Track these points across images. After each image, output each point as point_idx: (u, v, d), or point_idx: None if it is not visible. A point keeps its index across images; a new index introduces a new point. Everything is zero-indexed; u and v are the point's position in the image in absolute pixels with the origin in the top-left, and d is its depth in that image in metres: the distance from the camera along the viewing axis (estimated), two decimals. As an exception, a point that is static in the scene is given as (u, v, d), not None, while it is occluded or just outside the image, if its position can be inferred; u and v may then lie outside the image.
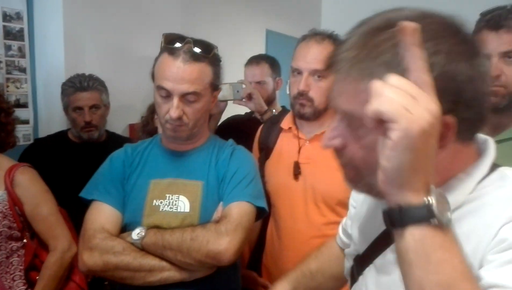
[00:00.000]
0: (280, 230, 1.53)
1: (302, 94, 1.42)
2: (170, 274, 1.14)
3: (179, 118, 1.18)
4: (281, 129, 1.60)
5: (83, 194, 1.25)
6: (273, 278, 1.56)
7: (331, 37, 1.45)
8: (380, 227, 0.74)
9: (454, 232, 0.54)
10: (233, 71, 2.51)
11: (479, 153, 0.68)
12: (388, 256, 0.72)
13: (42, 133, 2.28)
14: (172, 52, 1.18)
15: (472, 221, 0.62)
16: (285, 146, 1.56)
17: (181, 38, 1.19)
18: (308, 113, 1.45)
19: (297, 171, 1.47)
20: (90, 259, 1.14)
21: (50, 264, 1.49)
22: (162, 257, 1.14)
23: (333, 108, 0.66)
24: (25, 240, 1.50)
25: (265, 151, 1.58)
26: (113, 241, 1.15)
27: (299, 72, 1.44)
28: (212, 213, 1.21)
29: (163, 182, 1.24)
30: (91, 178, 1.30)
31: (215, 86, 1.25)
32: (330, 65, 0.63)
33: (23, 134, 2.24)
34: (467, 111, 0.59)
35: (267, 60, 2.45)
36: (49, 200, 1.54)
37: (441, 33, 0.58)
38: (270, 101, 2.42)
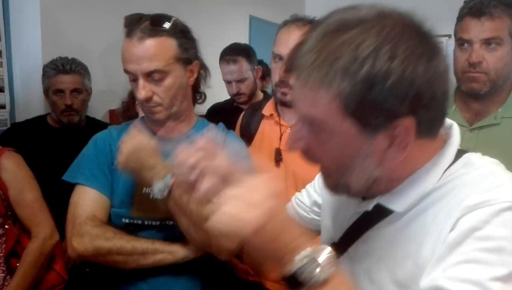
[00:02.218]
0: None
1: (283, 81, 1.42)
2: (163, 256, 1.14)
3: (149, 99, 1.15)
4: (262, 116, 1.59)
5: (67, 177, 1.22)
6: (254, 264, 1.58)
7: (312, 23, 1.44)
8: (352, 216, 0.76)
9: (338, 279, 0.56)
10: (216, 58, 2.50)
11: (445, 139, 0.69)
12: (359, 246, 0.74)
13: (19, 118, 2.23)
14: (129, 33, 1.14)
15: (435, 210, 0.63)
16: (267, 132, 1.56)
17: (139, 17, 1.15)
18: (290, 100, 1.44)
19: (278, 158, 1.48)
20: (81, 245, 1.12)
21: (31, 251, 1.47)
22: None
23: (295, 111, 0.66)
24: (7, 226, 1.48)
25: (247, 138, 1.58)
26: (104, 228, 1.14)
27: (280, 58, 1.43)
28: None
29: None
30: (75, 160, 1.26)
31: (185, 59, 1.18)
32: (290, 69, 0.62)
33: (-1, 119, 2.19)
34: (427, 112, 0.59)
35: (243, 54, 2.41)
36: (34, 186, 1.53)
37: (398, 35, 0.56)
38: (252, 93, 2.42)
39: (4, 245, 1.47)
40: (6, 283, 1.44)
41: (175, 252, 1.14)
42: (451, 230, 0.59)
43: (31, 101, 2.27)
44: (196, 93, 1.31)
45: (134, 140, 1.10)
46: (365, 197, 0.74)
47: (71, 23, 2.30)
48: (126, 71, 1.16)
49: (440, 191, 0.64)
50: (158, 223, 1.20)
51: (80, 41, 2.33)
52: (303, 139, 0.65)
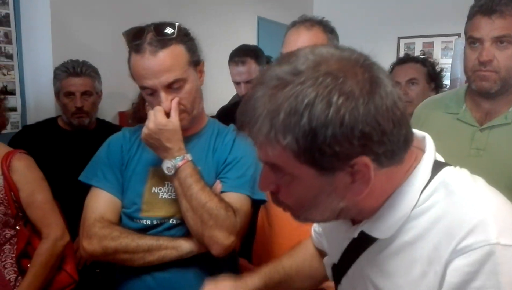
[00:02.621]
0: (271, 217, 1.54)
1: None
2: (167, 252, 1.16)
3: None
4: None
5: (82, 177, 1.25)
6: (263, 265, 1.58)
7: (321, 24, 1.44)
8: (344, 241, 0.77)
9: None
10: (225, 59, 2.50)
11: (418, 155, 0.68)
12: (355, 269, 0.75)
13: (30, 121, 2.25)
14: (138, 48, 1.12)
15: (423, 245, 0.64)
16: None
17: (141, 31, 1.14)
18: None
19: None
20: (90, 246, 1.16)
21: (42, 251, 1.49)
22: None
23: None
24: (18, 227, 1.50)
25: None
26: (111, 228, 1.17)
27: (289, 59, 1.43)
28: None
29: (161, 169, 1.23)
30: (90, 161, 1.29)
31: (195, 62, 1.20)
32: (241, 128, 0.63)
33: (11, 121, 2.20)
34: (381, 147, 0.59)
35: (252, 55, 2.41)
36: (44, 188, 1.54)
37: (333, 83, 0.56)
38: None
39: (15, 246, 1.49)
40: (18, 284, 1.45)
41: (179, 247, 1.17)
42: (443, 280, 0.61)
43: (42, 104, 2.29)
44: None
45: (157, 120, 1.13)
46: (354, 222, 0.74)
47: (81, 26, 2.33)
48: (142, 88, 1.16)
49: (423, 220, 0.65)
50: (167, 222, 1.21)
51: (89, 44, 2.35)
52: (272, 182, 0.67)
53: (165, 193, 1.22)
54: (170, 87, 1.14)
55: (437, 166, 0.68)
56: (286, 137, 0.56)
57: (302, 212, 0.68)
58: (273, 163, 0.62)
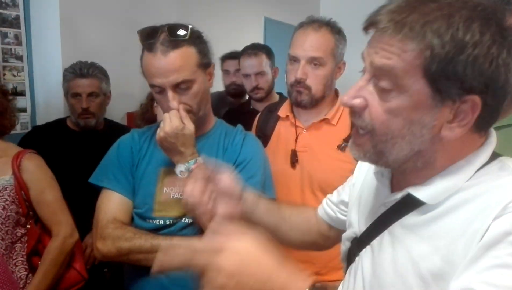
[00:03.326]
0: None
1: (299, 82, 1.42)
2: None
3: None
4: (278, 117, 1.60)
5: (93, 179, 1.27)
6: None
7: (328, 25, 1.45)
8: (379, 209, 0.76)
9: None
10: (231, 59, 2.51)
11: (483, 140, 0.69)
12: (385, 237, 0.74)
13: (40, 121, 2.28)
14: (150, 47, 1.15)
15: (468, 209, 0.63)
16: (283, 134, 1.56)
17: (155, 30, 1.16)
18: (305, 101, 1.45)
19: (294, 159, 1.48)
20: (104, 247, 1.17)
21: (52, 249, 1.51)
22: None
23: (366, 66, 0.66)
24: (28, 226, 1.52)
25: (263, 139, 1.58)
26: (124, 229, 1.18)
27: (296, 59, 1.43)
28: None
29: (172, 169, 1.24)
30: (100, 163, 1.30)
31: (205, 64, 1.22)
32: (374, 22, 0.63)
33: (20, 122, 2.24)
34: (493, 98, 0.61)
35: (263, 50, 2.45)
36: (54, 187, 1.56)
37: (489, 16, 0.59)
38: (269, 92, 2.43)
39: (26, 244, 1.50)
40: (28, 281, 1.47)
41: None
42: (486, 231, 0.59)
43: (51, 105, 2.32)
44: None
45: (174, 124, 1.15)
46: (393, 190, 0.74)
47: (90, 28, 2.35)
48: (152, 86, 1.19)
49: (473, 190, 0.64)
50: (179, 221, 1.22)
51: (98, 45, 2.37)
52: (362, 96, 0.66)
53: (177, 193, 1.23)
54: (177, 87, 1.16)
55: (495, 154, 0.69)
56: (435, 39, 0.58)
57: (383, 141, 0.65)
58: (392, 68, 0.61)
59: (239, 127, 1.36)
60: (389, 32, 0.61)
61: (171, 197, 1.23)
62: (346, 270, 0.86)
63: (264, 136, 1.60)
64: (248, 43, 2.53)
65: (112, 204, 1.22)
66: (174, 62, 1.14)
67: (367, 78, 0.66)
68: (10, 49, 2.23)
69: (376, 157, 0.68)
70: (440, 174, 0.67)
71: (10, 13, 2.21)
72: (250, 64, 2.37)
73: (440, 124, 0.62)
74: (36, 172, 1.52)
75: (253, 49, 2.42)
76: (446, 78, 0.59)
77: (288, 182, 1.48)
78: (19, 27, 2.25)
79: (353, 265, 0.82)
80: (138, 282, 1.25)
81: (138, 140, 1.31)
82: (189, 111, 1.19)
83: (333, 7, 4.41)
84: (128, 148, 1.29)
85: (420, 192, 0.68)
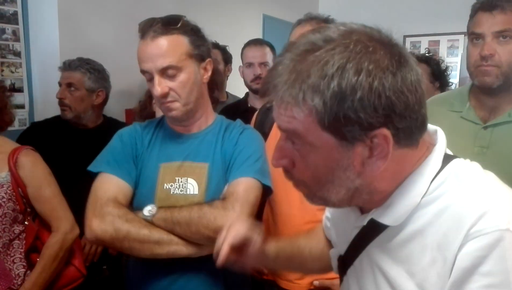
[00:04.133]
0: (276, 215, 1.55)
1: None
2: (178, 248, 1.15)
3: (165, 95, 1.18)
4: (276, 115, 1.60)
5: (91, 167, 1.24)
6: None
7: (327, 22, 1.45)
8: (353, 231, 0.77)
9: None
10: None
11: (429, 146, 0.69)
12: (364, 259, 0.75)
13: (38, 118, 2.27)
14: (143, 35, 1.18)
15: (433, 231, 0.64)
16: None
17: (151, 20, 1.19)
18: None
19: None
20: (101, 225, 1.12)
21: (51, 244, 1.50)
22: (172, 233, 1.15)
23: (277, 128, 0.68)
24: (26, 223, 1.51)
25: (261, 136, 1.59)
26: (123, 210, 1.16)
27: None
28: (219, 193, 1.22)
29: (172, 165, 1.25)
30: (100, 153, 1.29)
31: (199, 57, 1.22)
32: (265, 91, 0.64)
33: (18, 118, 2.23)
34: (402, 121, 0.60)
35: (268, 44, 2.47)
36: (52, 183, 1.55)
37: (363, 50, 0.58)
38: None
39: (24, 241, 1.50)
40: (27, 278, 1.47)
41: (189, 245, 1.16)
42: (453, 263, 0.61)
43: (49, 101, 2.31)
44: (212, 92, 1.34)
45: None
46: (363, 211, 0.75)
47: (89, 24, 2.34)
48: (142, 72, 1.20)
49: (433, 208, 0.65)
50: None
51: (96, 42, 2.36)
52: (286, 156, 0.67)
53: (176, 189, 1.23)
54: (164, 73, 1.17)
55: (448, 158, 0.69)
56: (314, 99, 0.58)
57: (318, 189, 0.67)
58: (294, 130, 0.62)
59: (238, 121, 1.36)
60: (276, 100, 0.62)
61: (171, 193, 1.23)
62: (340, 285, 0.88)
63: (263, 134, 1.59)
64: (247, 40, 2.53)
65: (112, 185, 1.20)
66: (161, 46, 1.15)
67: (284, 138, 0.67)
68: (8, 45, 2.22)
69: (323, 202, 0.70)
70: (396, 193, 0.68)
71: (8, 8, 2.20)
72: (253, 54, 2.38)
73: (360, 162, 0.63)
74: (33, 168, 1.51)
75: (258, 41, 2.46)
76: (343, 126, 0.59)
77: (286, 179, 1.48)
78: (17, 23, 2.24)
79: (342, 285, 0.85)
80: (140, 283, 1.25)
81: (141, 133, 1.31)
82: (175, 100, 1.19)
83: (331, 4, 4.41)
84: (133, 138, 1.29)
85: (382, 217, 0.69)
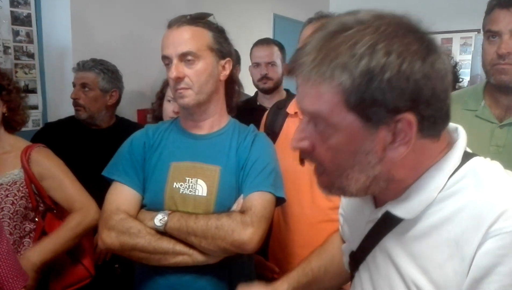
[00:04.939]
0: (287, 215, 1.54)
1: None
2: (183, 259, 1.17)
3: (180, 80, 1.20)
4: (287, 114, 1.59)
5: (105, 173, 1.28)
6: (279, 262, 1.58)
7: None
8: (367, 225, 0.77)
9: None
10: (241, 55, 2.51)
11: (452, 142, 0.69)
12: (377, 253, 0.75)
13: (51, 118, 2.30)
14: (170, 25, 1.23)
15: (451, 228, 0.63)
16: (291, 131, 1.55)
17: (181, 16, 1.24)
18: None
19: (303, 156, 1.47)
20: (108, 238, 1.18)
21: (72, 218, 1.50)
22: (185, 242, 1.17)
23: (300, 110, 0.67)
24: (37, 219, 1.52)
25: (271, 136, 1.58)
26: (130, 223, 1.18)
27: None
28: (228, 198, 1.23)
29: (183, 165, 1.26)
30: (113, 157, 1.32)
31: (219, 52, 1.25)
32: (292, 70, 0.64)
33: (32, 119, 2.26)
34: (427, 109, 0.60)
35: (276, 43, 2.47)
36: (68, 172, 1.56)
37: (393, 33, 0.58)
38: (278, 84, 2.42)
39: (33, 239, 1.51)
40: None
41: (194, 255, 1.17)
42: (472, 262, 0.60)
43: (62, 102, 2.34)
44: (228, 98, 1.35)
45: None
46: (377, 205, 0.75)
47: (101, 26, 2.36)
48: (163, 58, 1.23)
49: (450, 204, 0.64)
50: None
51: (109, 43, 2.38)
52: (307, 138, 0.67)
53: (186, 189, 1.23)
54: (183, 59, 1.20)
55: (468, 155, 0.68)
56: (342, 76, 0.58)
57: (337, 177, 0.66)
58: (319, 112, 0.62)
59: (252, 126, 1.37)
60: (304, 78, 0.62)
61: (180, 192, 1.24)
62: (351, 280, 0.88)
63: (273, 133, 1.60)
64: (257, 40, 2.53)
65: (119, 195, 1.23)
66: (183, 34, 1.20)
67: (306, 120, 0.67)
68: (22, 47, 2.25)
69: (340, 191, 0.70)
70: (413, 186, 0.67)
71: (22, 11, 2.23)
72: (261, 53, 2.39)
73: (383, 146, 0.62)
74: (47, 161, 1.53)
75: (266, 40, 2.46)
76: (369, 107, 0.58)
77: (297, 179, 1.48)
78: (30, 25, 2.27)
79: (354, 281, 0.84)
80: (148, 281, 1.26)
81: (152, 135, 1.33)
82: (189, 87, 1.21)
83: (342, 2, 4.38)
84: (141, 143, 1.31)
85: (397, 209, 0.68)
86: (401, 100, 0.58)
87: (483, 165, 0.67)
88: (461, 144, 0.68)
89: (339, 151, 0.64)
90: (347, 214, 0.92)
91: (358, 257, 0.81)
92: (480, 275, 0.59)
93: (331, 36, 0.60)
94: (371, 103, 0.58)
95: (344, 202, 0.96)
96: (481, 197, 0.62)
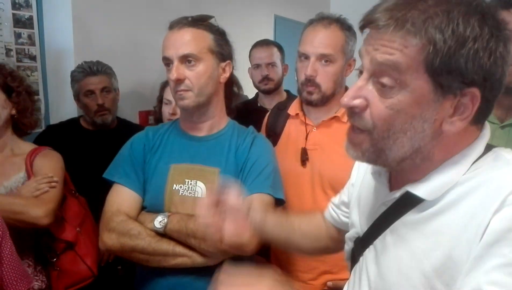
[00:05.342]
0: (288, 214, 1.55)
1: (309, 80, 1.42)
2: (183, 260, 1.18)
3: (180, 81, 1.20)
4: (288, 116, 1.60)
5: (106, 175, 1.29)
6: (281, 263, 1.58)
7: (338, 21, 1.44)
8: (379, 209, 0.76)
9: None
10: (241, 57, 2.51)
11: (477, 133, 0.70)
12: (388, 236, 0.74)
13: (53, 121, 2.31)
14: (171, 26, 1.24)
15: (467, 203, 0.63)
16: (293, 132, 1.56)
17: (183, 18, 1.25)
18: (316, 100, 1.44)
19: (304, 158, 1.48)
20: (109, 240, 1.19)
21: (26, 198, 1.38)
22: (185, 243, 1.17)
23: (365, 65, 0.66)
24: None
25: (273, 138, 1.59)
26: (130, 225, 1.19)
27: (306, 56, 1.43)
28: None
29: (182, 166, 1.26)
30: (114, 159, 1.33)
31: (219, 55, 1.26)
32: (372, 20, 0.64)
33: (34, 121, 2.27)
34: (491, 91, 0.62)
35: (275, 44, 2.48)
36: (58, 176, 1.47)
37: (485, 10, 0.61)
38: (278, 85, 2.43)
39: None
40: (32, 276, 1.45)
41: (194, 257, 1.18)
42: (486, 227, 0.59)
43: (64, 104, 2.35)
44: (228, 100, 1.35)
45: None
46: (392, 189, 0.75)
47: (102, 28, 2.37)
48: (164, 60, 1.24)
49: (470, 183, 0.64)
50: None
51: (110, 45, 2.39)
52: (363, 95, 0.66)
53: (185, 191, 1.24)
54: (184, 61, 1.20)
55: (490, 146, 0.70)
56: (437, 33, 0.59)
57: (382, 139, 0.66)
58: (395, 62, 0.62)
59: (251, 128, 1.37)
60: (391, 28, 0.61)
61: (180, 194, 1.24)
62: (351, 270, 0.87)
63: (274, 135, 1.60)
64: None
65: (119, 197, 1.24)
66: (185, 36, 1.21)
67: (366, 77, 0.66)
68: (24, 49, 2.26)
69: (375, 156, 0.69)
70: (437, 169, 0.67)
71: (24, 13, 2.24)
72: (261, 54, 2.40)
73: (441, 118, 0.63)
74: (43, 161, 1.50)
75: (265, 42, 2.47)
76: (448, 73, 0.60)
77: (299, 180, 1.48)
78: (32, 28, 2.28)
79: (357, 265, 0.83)
80: (148, 282, 1.27)
81: (152, 137, 1.33)
82: (189, 89, 1.22)
83: (343, 3, 4.37)
84: (141, 145, 1.31)
85: (418, 189, 0.68)
86: (478, 73, 0.60)
87: (505, 151, 0.68)
88: (486, 134, 0.70)
89: (400, 112, 0.63)
90: (359, 198, 0.90)
91: (365, 241, 0.80)
92: (493, 239, 0.58)
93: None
94: (452, 70, 0.59)
95: (352, 190, 0.95)
96: (500, 173, 0.63)
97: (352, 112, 0.68)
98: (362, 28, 0.66)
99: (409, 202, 0.70)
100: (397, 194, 0.72)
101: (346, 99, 0.67)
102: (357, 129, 0.69)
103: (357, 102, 0.66)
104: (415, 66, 0.60)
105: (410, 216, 0.70)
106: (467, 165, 0.66)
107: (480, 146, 0.68)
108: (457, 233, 0.62)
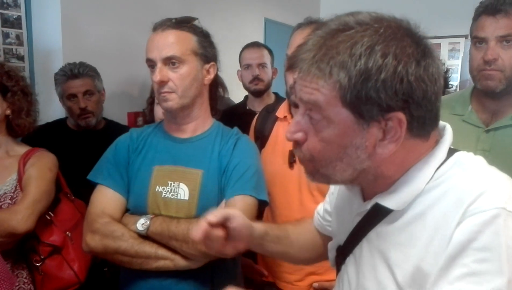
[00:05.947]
0: (276, 217, 1.55)
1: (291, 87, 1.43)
2: (165, 263, 1.17)
3: (163, 83, 1.20)
4: (276, 118, 1.60)
5: (90, 176, 1.29)
6: (268, 264, 1.59)
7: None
8: (355, 218, 0.79)
9: None
10: (231, 60, 2.52)
11: (439, 140, 0.71)
12: (364, 245, 0.76)
13: (41, 121, 2.26)
14: (155, 28, 1.23)
15: (433, 214, 0.65)
16: (281, 134, 1.57)
17: (166, 19, 1.24)
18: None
19: (292, 160, 1.49)
20: (92, 241, 1.18)
21: (6, 211, 1.34)
22: (167, 246, 1.17)
23: (297, 102, 0.70)
24: None
25: (261, 140, 1.59)
26: (113, 226, 1.18)
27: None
28: (211, 202, 1.23)
29: (165, 168, 1.26)
30: (98, 161, 1.32)
31: (203, 57, 1.25)
32: (292, 64, 0.67)
33: (21, 122, 2.24)
34: (418, 109, 0.63)
35: (265, 46, 2.51)
36: (44, 179, 1.43)
37: (392, 36, 0.61)
38: (268, 86, 2.44)
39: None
40: (25, 279, 1.43)
41: (176, 260, 1.17)
42: (450, 240, 0.61)
43: (51, 104, 2.32)
44: (212, 101, 1.35)
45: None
46: (365, 199, 0.77)
47: (91, 28, 2.36)
48: (147, 61, 1.23)
49: (435, 192, 0.67)
50: None
51: (99, 46, 2.38)
52: (302, 130, 0.70)
53: (168, 193, 1.24)
54: (167, 63, 1.20)
55: (452, 150, 0.71)
56: (340, 74, 0.61)
57: (324, 166, 0.69)
58: (315, 101, 0.65)
59: (235, 129, 1.37)
60: (303, 73, 0.65)
61: (163, 196, 1.24)
62: (337, 277, 0.89)
63: (263, 137, 1.61)
64: (248, 44, 2.54)
65: (103, 198, 1.24)
66: (169, 38, 1.20)
67: (302, 112, 0.70)
68: (12, 49, 2.24)
69: (325, 179, 0.73)
70: (401, 179, 0.69)
71: (12, 13, 2.22)
72: (252, 55, 2.41)
73: (373, 143, 0.65)
74: (33, 162, 1.47)
75: (255, 43, 2.49)
76: (363, 104, 0.61)
77: (286, 182, 1.49)
78: (20, 28, 2.26)
79: (340, 274, 0.86)
80: (131, 284, 1.27)
81: (136, 139, 1.33)
82: (173, 91, 1.22)
83: (333, 8, 4.41)
84: (125, 147, 1.31)
85: (386, 201, 0.70)
86: (394, 99, 0.61)
87: (467, 157, 0.70)
88: (448, 139, 0.71)
89: (330, 143, 0.66)
90: (336, 209, 0.93)
91: (345, 251, 0.82)
92: (456, 251, 0.61)
93: (331, 35, 0.63)
94: (365, 101, 0.61)
95: (332, 199, 0.97)
96: (463, 182, 0.65)
97: (296, 144, 0.72)
98: (288, 70, 0.70)
99: (380, 213, 0.72)
100: (368, 205, 0.74)
101: (288, 134, 0.71)
102: (303, 157, 0.72)
103: (298, 136, 0.70)
104: (333, 102, 0.63)
105: (381, 227, 0.73)
106: (430, 173, 0.68)
107: (441, 152, 0.69)
108: (425, 245, 0.65)
